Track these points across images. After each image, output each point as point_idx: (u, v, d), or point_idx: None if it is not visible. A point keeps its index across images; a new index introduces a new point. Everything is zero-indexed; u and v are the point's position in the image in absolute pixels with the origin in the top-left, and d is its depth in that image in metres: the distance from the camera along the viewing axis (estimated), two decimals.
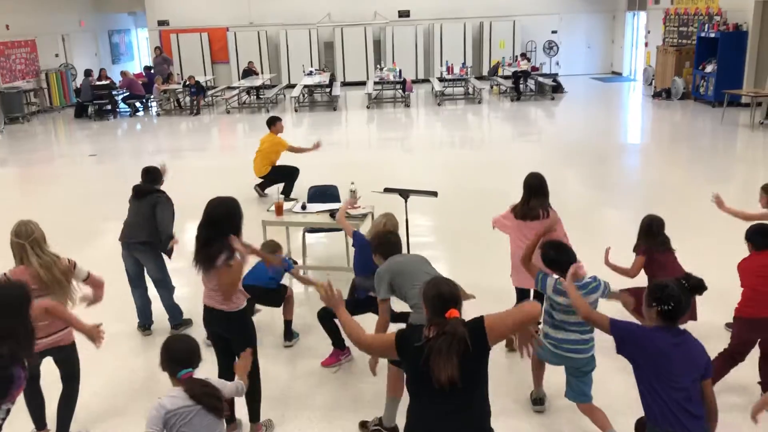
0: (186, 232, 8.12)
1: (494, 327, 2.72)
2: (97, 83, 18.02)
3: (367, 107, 17.70)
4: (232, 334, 3.99)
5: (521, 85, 18.27)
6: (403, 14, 22.46)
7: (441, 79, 19.56)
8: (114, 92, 18.21)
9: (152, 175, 5.60)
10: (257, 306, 5.42)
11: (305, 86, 18.61)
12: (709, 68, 15.52)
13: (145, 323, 5.65)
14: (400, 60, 21.29)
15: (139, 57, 27.64)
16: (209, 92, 19.05)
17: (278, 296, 5.25)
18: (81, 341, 3.92)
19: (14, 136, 15.67)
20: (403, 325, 3.40)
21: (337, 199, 6.97)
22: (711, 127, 13.55)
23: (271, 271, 5.16)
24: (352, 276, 5.08)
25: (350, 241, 5.37)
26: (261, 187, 9.41)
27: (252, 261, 4.61)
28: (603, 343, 3.67)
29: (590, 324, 3.47)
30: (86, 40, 22.68)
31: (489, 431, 2.77)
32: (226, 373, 3.97)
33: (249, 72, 20.18)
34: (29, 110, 18.14)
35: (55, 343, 3.85)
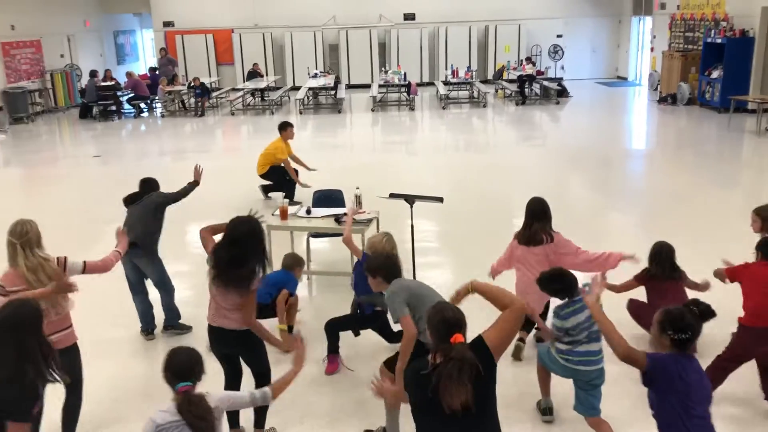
0: (189, 233, 8.16)
1: (497, 343, 2.74)
2: (102, 84, 18.01)
3: (372, 110, 17.67)
4: (245, 352, 4.00)
5: (526, 89, 18.23)
6: (409, 17, 22.44)
7: (446, 83, 19.52)
8: (119, 93, 18.22)
9: (149, 186, 5.58)
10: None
11: (310, 89, 18.59)
12: (715, 74, 15.46)
13: (148, 328, 5.61)
14: (405, 63, 21.25)
15: (144, 58, 27.67)
16: (214, 94, 19.04)
17: (271, 310, 5.24)
18: (82, 345, 3.89)
19: (19, 136, 15.68)
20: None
21: (342, 204, 6.93)
22: (717, 133, 13.49)
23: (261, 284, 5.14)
24: None
25: (355, 258, 5.32)
26: (265, 190, 9.38)
27: None
28: (610, 354, 3.63)
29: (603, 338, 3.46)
30: (91, 41, 22.70)
31: None
32: (232, 386, 3.98)
33: (254, 74, 20.18)
34: (34, 110, 18.15)
35: (58, 346, 3.76)
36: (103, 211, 9.09)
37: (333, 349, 4.97)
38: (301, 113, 17.61)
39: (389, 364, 4.05)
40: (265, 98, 19.36)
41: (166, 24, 22.65)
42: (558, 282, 4.00)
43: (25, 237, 3.77)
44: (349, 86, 21.50)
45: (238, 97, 18.57)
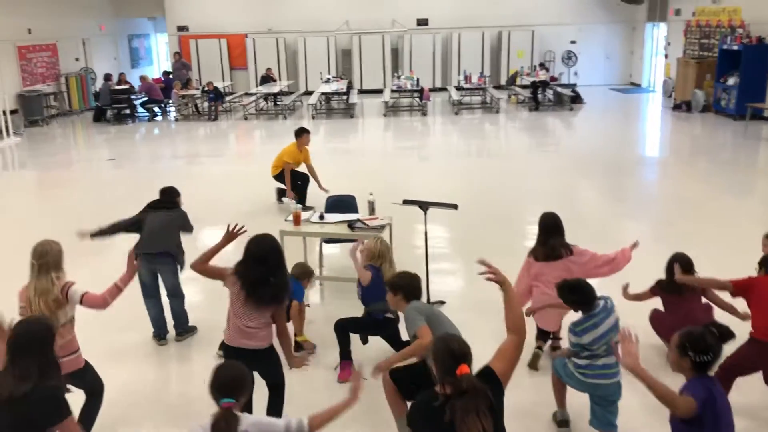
0: (202, 240, 8.15)
1: (505, 371, 2.79)
2: (116, 87, 18.14)
3: (384, 115, 17.66)
4: (263, 367, 4.03)
5: (539, 95, 18.16)
6: (422, 22, 22.44)
7: (458, 88, 19.49)
8: (133, 96, 18.32)
9: (169, 195, 5.65)
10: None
11: (322, 93, 18.62)
12: (731, 81, 15.32)
13: (160, 333, 5.61)
14: (418, 68, 21.24)
15: (158, 62, 27.84)
16: (227, 98, 19.11)
17: None
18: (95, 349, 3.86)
19: (34, 139, 15.79)
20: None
21: (354, 209, 6.91)
22: (732, 141, 13.37)
23: None
24: None
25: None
26: (279, 194, 9.35)
27: None
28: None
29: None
30: (106, 45, 22.88)
31: None
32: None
33: (267, 78, 20.23)
34: (49, 113, 18.30)
35: (66, 371, 3.57)
36: (116, 215, 9.00)
37: (345, 356, 4.94)
38: (313, 118, 17.63)
39: (394, 374, 4.03)
40: (278, 103, 19.41)
41: (180, 28, 22.78)
42: (578, 293, 3.97)
43: (43, 258, 3.82)
44: (362, 91, 21.51)
45: (251, 101, 18.63)
